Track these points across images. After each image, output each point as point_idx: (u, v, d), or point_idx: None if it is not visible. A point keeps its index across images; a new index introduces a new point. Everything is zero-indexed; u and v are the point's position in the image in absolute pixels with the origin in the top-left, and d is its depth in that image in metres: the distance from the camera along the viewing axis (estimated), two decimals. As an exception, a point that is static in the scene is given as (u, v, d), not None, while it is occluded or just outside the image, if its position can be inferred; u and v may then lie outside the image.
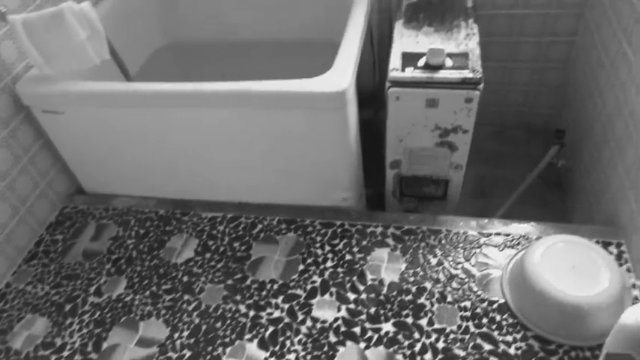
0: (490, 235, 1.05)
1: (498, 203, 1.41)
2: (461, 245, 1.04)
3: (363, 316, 0.94)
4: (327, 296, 0.98)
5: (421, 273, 1.00)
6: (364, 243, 1.07)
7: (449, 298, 0.95)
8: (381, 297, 0.96)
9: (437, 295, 0.95)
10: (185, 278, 1.05)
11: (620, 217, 1.03)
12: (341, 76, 0.96)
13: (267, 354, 0.90)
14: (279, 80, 0.97)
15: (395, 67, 1.04)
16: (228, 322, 0.96)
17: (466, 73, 1.00)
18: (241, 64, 1.56)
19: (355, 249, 1.06)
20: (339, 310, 0.95)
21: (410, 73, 1.02)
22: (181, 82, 1.02)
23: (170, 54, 1.58)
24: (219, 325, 0.96)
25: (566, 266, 0.88)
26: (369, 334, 0.91)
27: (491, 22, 1.42)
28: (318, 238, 1.09)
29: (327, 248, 1.07)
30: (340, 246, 1.07)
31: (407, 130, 1.09)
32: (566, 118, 1.51)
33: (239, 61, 1.55)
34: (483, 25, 1.42)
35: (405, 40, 1.11)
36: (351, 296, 0.97)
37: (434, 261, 1.02)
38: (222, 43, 1.55)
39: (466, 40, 1.09)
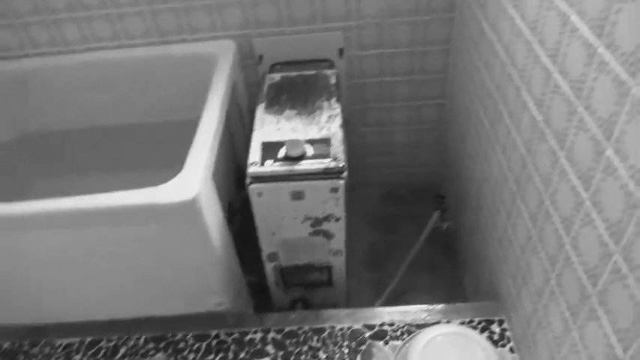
0: (374, 326, 0.99)
1: (392, 272, 1.37)
2: (345, 343, 0.96)
3: None
4: None
5: (304, 385, 0.91)
6: (242, 355, 0.96)
7: (334, 414, 0.86)
8: None
9: (321, 412, 0.86)
10: None
11: (501, 291, 1.01)
12: (190, 181, 0.87)
13: None
14: (118, 192, 0.86)
15: (254, 161, 0.97)
16: None
17: (328, 163, 0.95)
18: (104, 151, 1.43)
19: (232, 364, 0.95)
20: None
21: (270, 166, 0.95)
22: (5, 203, 0.87)
23: (21, 147, 1.42)
24: None
25: (448, 364, 0.83)
26: None
27: (364, 89, 1.41)
28: (191, 356, 0.97)
29: (201, 367, 0.95)
30: (216, 362, 0.96)
31: (277, 222, 1.02)
32: (446, 178, 1.53)
33: (101, 148, 1.42)
34: (358, 92, 1.42)
35: (265, 127, 1.05)
36: None
37: (317, 367, 0.93)
38: (80, 130, 1.41)
39: (328, 122, 1.05)
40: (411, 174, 1.63)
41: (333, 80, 1.19)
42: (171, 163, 1.00)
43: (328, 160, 0.95)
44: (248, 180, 0.96)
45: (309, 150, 0.97)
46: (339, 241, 1.06)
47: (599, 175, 0.59)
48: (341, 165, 0.94)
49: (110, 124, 1.38)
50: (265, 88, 1.18)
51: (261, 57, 1.32)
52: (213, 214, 0.93)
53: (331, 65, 1.31)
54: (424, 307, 1.01)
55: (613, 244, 0.57)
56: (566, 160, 0.68)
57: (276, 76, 1.21)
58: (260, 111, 1.10)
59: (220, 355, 0.97)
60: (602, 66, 0.57)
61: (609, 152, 0.56)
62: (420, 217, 1.37)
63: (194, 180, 0.87)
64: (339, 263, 1.11)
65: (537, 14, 0.75)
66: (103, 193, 0.86)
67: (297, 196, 0.97)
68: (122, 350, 0.99)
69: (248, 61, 1.35)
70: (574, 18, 0.63)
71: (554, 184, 0.72)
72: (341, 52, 1.32)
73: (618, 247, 0.56)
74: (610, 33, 0.55)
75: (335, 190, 0.95)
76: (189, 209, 0.85)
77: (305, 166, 0.95)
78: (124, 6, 1.24)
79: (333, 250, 1.08)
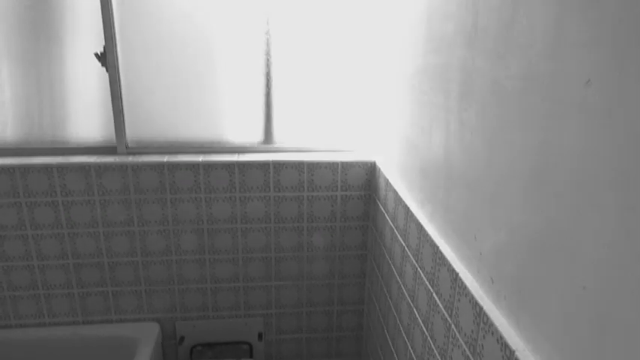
0: None
1: None
2: None
3: None
4: None
5: None
6: None
7: None
8: None
9: None
10: None
11: None
12: None
13: None
14: None
15: None
16: None
17: None
18: None
19: None
20: None
21: None
22: None
23: None
24: None
25: None
26: None
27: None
28: None
29: None
30: None
31: None
32: None
33: None
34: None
35: None
36: None
37: None
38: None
39: None
40: None
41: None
42: None
43: None
44: None
45: None
46: None
47: None
48: None
49: None
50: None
51: (182, 338, 1.37)
52: None
53: (250, 350, 1.37)
54: None
55: None
56: None
57: (194, 366, 1.24)
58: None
59: None
60: (455, 340, 0.70)
61: None
62: None
63: None
64: None
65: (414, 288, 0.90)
66: None
67: None
68: None
69: (170, 342, 1.38)
70: (435, 296, 0.79)
71: None
72: (260, 336, 1.39)
73: None
74: (455, 315, 0.70)
75: None
76: None
77: None
78: (55, 287, 1.30)
79: None
